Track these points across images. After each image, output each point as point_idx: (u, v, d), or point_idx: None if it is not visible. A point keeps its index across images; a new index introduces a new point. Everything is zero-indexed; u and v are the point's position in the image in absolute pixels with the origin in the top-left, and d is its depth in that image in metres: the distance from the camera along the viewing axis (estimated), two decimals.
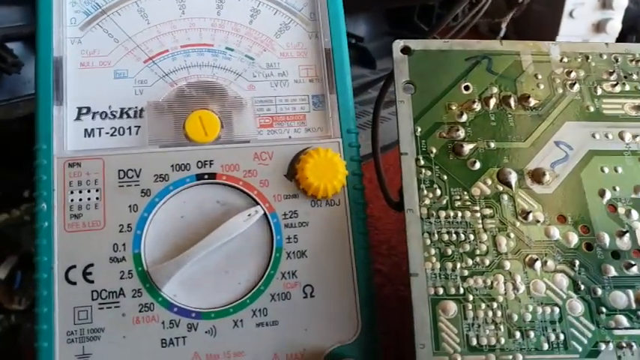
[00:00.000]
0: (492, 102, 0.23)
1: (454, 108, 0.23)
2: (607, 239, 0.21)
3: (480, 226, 0.21)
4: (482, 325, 0.19)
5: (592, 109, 0.23)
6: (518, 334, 0.19)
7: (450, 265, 0.20)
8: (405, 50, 0.24)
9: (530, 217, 0.21)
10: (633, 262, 0.20)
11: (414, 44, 0.24)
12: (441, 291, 0.20)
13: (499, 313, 0.19)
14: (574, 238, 0.21)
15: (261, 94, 0.23)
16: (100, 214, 0.21)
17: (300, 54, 0.24)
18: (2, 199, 0.32)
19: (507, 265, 0.20)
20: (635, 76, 0.24)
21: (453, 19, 0.36)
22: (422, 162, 0.22)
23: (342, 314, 0.21)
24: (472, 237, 0.20)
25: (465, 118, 0.23)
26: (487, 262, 0.20)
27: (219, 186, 0.22)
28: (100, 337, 0.20)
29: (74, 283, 0.20)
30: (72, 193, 0.21)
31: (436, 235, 0.20)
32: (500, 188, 0.21)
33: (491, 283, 0.20)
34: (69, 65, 0.22)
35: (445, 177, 0.21)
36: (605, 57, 0.24)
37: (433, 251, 0.20)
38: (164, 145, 0.22)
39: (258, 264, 0.21)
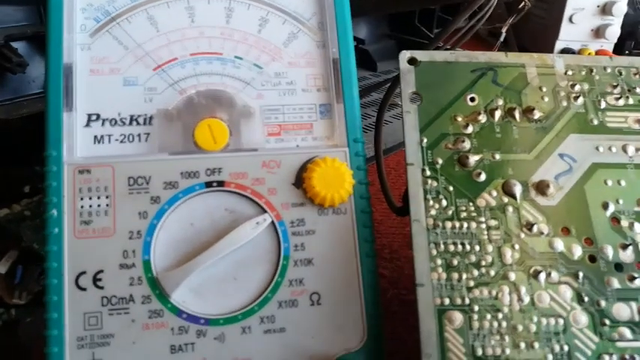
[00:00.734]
0: (497, 114, 0.23)
1: (460, 119, 0.23)
2: (610, 252, 0.21)
3: (486, 237, 0.21)
4: (487, 336, 0.19)
5: (596, 122, 0.23)
6: (522, 345, 0.19)
7: (455, 275, 0.20)
8: (412, 61, 0.24)
9: (535, 228, 0.21)
10: (636, 275, 0.20)
11: (421, 55, 0.24)
12: (447, 301, 0.20)
13: (504, 324, 0.20)
14: (578, 251, 0.21)
15: (269, 102, 0.23)
16: (110, 220, 0.21)
17: (308, 63, 0.24)
18: (3, 194, 0.32)
19: (512, 276, 0.20)
20: (638, 90, 0.24)
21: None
22: (428, 172, 0.22)
23: (348, 322, 0.21)
24: (478, 248, 0.21)
25: (470, 129, 0.23)
26: (492, 273, 0.20)
27: (228, 194, 0.22)
28: (110, 343, 0.20)
29: (84, 289, 0.20)
30: (82, 199, 0.21)
31: (442, 246, 0.21)
32: (505, 200, 0.22)
33: (497, 294, 0.20)
34: (79, 72, 0.22)
35: (451, 188, 0.22)
36: (609, 70, 0.24)
37: (439, 262, 0.20)
38: (173, 152, 0.22)
39: (266, 271, 0.22)
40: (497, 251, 0.21)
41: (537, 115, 0.23)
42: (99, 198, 0.21)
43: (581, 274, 0.20)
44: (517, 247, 0.21)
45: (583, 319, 0.20)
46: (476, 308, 0.20)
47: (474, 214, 0.21)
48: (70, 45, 0.22)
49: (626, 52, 0.59)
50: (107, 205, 0.21)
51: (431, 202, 0.21)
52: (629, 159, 0.23)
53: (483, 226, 0.21)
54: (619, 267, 0.21)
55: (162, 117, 0.22)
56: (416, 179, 0.22)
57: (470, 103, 0.23)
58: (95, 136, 0.22)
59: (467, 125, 0.23)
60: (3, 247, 0.30)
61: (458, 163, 0.22)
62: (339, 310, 0.21)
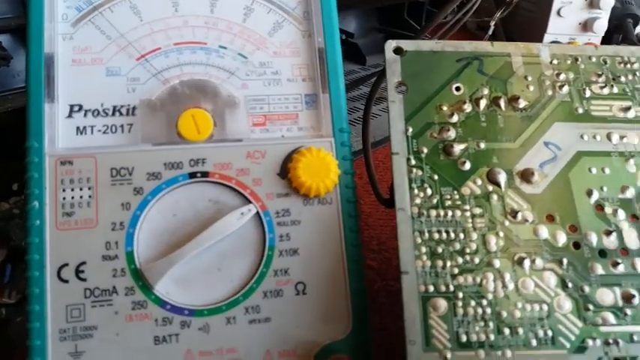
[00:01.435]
0: (483, 103, 0.23)
1: (445, 108, 0.23)
2: (594, 238, 0.21)
3: (470, 225, 0.21)
4: (471, 322, 0.19)
5: (581, 110, 0.23)
6: (507, 331, 0.19)
7: (440, 263, 0.20)
8: (398, 51, 0.24)
9: (519, 216, 0.21)
10: (620, 261, 0.21)
11: (407, 45, 0.24)
12: (431, 288, 0.20)
13: (488, 310, 0.20)
14: (562, 237, 0.21)
15: (254, 92, 0.23)
16: (93, 212, 0.21)
17: (293, 53, 0.24)
18: None
19: (497, 263, 0.20)
20: (623, 79, 0.24)
21: (443, 18, 0.36)
22: (413, 162, 0.22)
23: (333, 311, 0.21)
24: (462, 236, 0.21)
25: (455, 118, 0.23)
26: (477, 260, 0.20)
27: (212, 184, 0.22)
28: (93, 335, 0.20)
29: (66, 282, 0.20)
30: (64, 191, 0.21)
31: (427, 234, 0.21)
32: (490, 188, 0.22)
33: (481, 280, 0.20)
34: (60, 62, 0.22)
35: (436, 177, 0.22)
36: (594, 59, 0.25)
37: (424, 249, 0.20)
38: (157, 143, 0.22)
39: (251, 262, 0.21)
40: (481, 239, 0.21)
41: (522, 104, 0.23)
42: (81, 189, 0.21)
43: (565, 261, 0.21)
44: (501, 234, 0.21)
45: (567, 304, 0.20)
46: (460, 295, 0.20)
47: (458, 202, 0.21)
48: (51, 34, 0.22)
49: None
50: (89, 196, 0.21)
51: (416, 191, 0.21)
52: (613, 147, 0.23)
53: (468, 214, 0.21)
54: (603, 253, 0.21)
55: (146, 107, 0.22)
56: (401, 168, 0.22)
57: (455, 93, 0.23)
58: (77, 127, 0.22)
59: (452, 114, 0.23)
60: None
61: (443, 152, 0.22)
62: (324, 300, 0.21)
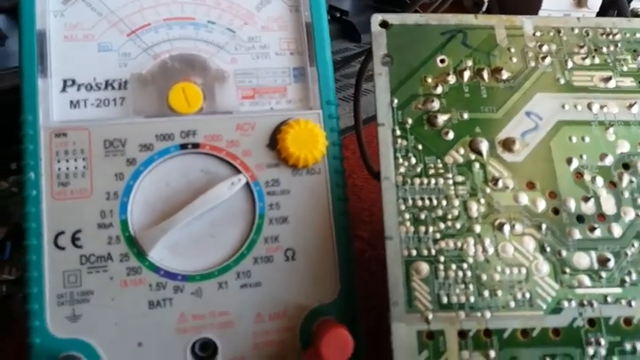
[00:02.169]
0: (466, 74, 0.24)
1: (430, 80, 0.24)
2: (573, 204, 0.22)
3: (452, 192, 0.22)
4: (452, 285, 0.20)
5: (562, 81, 0.24)
6: (486, 293, 0.20)
7: (422, 228, 0.21)
8: (384, 24, 0.24)
9: (500, 183, 0.22)
10: (596, 226, 0.21)
11: (392, 18, 0.24)
12: (414, 253, 0.21)
13: (469, 274, 0.20)
14: (542, 204, 0.22)
15: (242, 66, 0.24)
16: (87, 182, 0.21)
17: (280, 27, 0.24)
18: None
19: (477, 228, 0.21)
20: (604, 50, 0.25)
21: None
22: (398, 132, 0.23)
23: (322, 276, 0.22)
24: (444, 202, 0.21)
25: (440, 90, 0.23)
26: (458, 225, 0.21)
27: (203, 155, 0.22)
28: (90, 300, 0.21)
29: (63, 249, 0.21)
30: (59, 162, 0.21)
31: (410, 201, 0.21)
32: (472, 157, 0.22)
33: (462, 245, 0.21)
34: (52, 38, 0.23)
35: (420, 146, 0.22)
36: (576, 31, 0.25)
37: (407, 216, 0.21)
38: (148, 115, 0.22)
39: (242, 229, 0.22)
40: (463, 205, 0.21)
41: (505, 75, 0.24)
42: (75, 160, 0.21)
43: (544, 226, 0.21)
44: (483, 201, 0.22)
45: (545, 268, 0.21)
46: (442, 259, 0.21)
47: (441, 170, 0.22)
48: (43, 11, 0.22)
49: None
50: (84, 167, 0.21)
51: (400, 160, 0.22)
52: (593, 116, 0.23)
53: (450, 182, 0.22)
54: (580, 218, 0.21)
55: (137, 81, 0.23)
56: (386, 139, 0.23)
57: (440, 65, 0.24)
58: (71, 101, 0.22)
59: (436, 86, 0.24)
60: None
61: (427, 123, 0.23)
62: (313, 265, 0.22)
